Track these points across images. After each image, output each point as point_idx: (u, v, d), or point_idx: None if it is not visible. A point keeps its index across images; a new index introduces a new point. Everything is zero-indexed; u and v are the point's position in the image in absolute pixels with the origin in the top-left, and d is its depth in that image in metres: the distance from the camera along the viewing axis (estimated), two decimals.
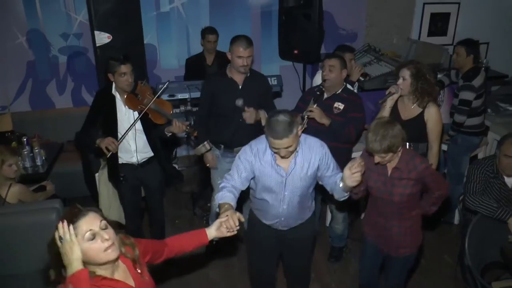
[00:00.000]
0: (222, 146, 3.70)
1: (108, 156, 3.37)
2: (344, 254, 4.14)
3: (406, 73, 3.28)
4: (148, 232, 4.02)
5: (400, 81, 3.31)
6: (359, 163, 2.38)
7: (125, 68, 3.27)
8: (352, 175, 2.38)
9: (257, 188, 2.77)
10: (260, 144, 2.67)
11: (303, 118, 3.34)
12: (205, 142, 3.61)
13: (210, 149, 3.65)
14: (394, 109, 3.44)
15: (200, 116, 3.78)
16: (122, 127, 3.42)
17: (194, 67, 5.00)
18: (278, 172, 2.63)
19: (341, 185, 2.52)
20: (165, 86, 3.45)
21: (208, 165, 3.76)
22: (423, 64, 3.36)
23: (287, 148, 2.48)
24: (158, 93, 3.43)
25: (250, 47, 3.43)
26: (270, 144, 2.53)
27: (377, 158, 2.64)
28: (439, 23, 6.13)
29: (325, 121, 3.38)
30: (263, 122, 3.66)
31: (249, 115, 3.54)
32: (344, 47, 4.18)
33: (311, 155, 2.65)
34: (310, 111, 3.37)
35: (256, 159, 2.64)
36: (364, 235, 3.12)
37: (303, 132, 3.36)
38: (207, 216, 4.48)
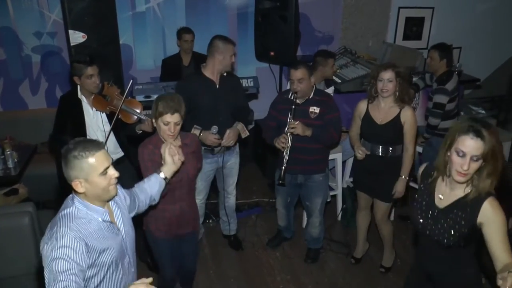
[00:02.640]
0: (203, 148, 3.68)
1: None
2: (321, 254, 4.16)
3: (391, 75, 3.29)
4: None
5: (385, 82, 3.31)
6: (172, 144, 2.54)
7: (92, 70, 3.23)
8: (173, 156, 2.51)
9: (100, 273, 2.00)
10: (75, 220, 1.92)
11: (288, 135, 3.44)
12: (193, 127, 3.55)
13: (201, 129, 3.56)
14: (368, 117, 3.47)
15: None
16: (91, 130, 3.39)
17: (171, 68, 4.96)
18: (113, 231, 2.05)
19: (162, 175, 2.52)
20: (129, 84, 3.40)
21: (210, 143, 3.59)
22: (401, 66, 3.42)
23: None
24: (125, 92, 3.35)
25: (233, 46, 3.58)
26: None
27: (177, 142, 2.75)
28: (414, 27, 6.23)
29: (308, 132, 3.46)
30: (243, 135, 3.71)
31: (229, 139, 3.61)
32: (326, 53, 4.20)
33: (121, 198, 2.22)
34: (292, 127, 3.43)
35: (86, 234, 1.90)
36: (156, 237, 2.98)
37: (290, 149, 3.49)
38: None
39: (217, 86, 3.59)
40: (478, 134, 1.98)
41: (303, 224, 4.44)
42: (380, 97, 3.40)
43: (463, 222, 2.12)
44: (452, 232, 2.15)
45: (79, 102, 3.36)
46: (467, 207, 2.10)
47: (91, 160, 1.88)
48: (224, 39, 3.52)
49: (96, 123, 3.38)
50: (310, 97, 3.57)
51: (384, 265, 3.96)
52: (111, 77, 3.64)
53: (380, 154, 3.47)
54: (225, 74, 3.63)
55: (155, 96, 4.35)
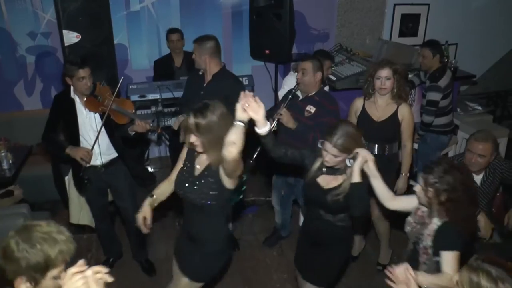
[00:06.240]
0: None
1: (87, 166, 3.34)
2: None
3: (388, 72, 3.30)
4: (121, 234, 3.97)
5: (383, 80, 3.31)
6: None
7: (83, 72, 3.18)
8: None
9: None
10: None
11: (273, 120, 3.35)
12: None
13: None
14: (364, 114, 3.46)
15: (181, 103, 4.03)
16: (84, 130, 3.37)
17: (163, 69, 4.93)
18: None
19: None
20: (120, 81, 3.39)
21: None
22: (398, 63, 3.42)
23: None
24: (116, 91, 3.34)
25: (194, 45, 3.59)
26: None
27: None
28: (409, 24, 6.21)
29: (291, 125, 3.37)
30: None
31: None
32: (323, 54, 4.11)
33: None
34: (280, 113, 3.38)
35: None
36: None
37: (273, 132, 3.40)
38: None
39: (204, 84, 3.64)
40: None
41: (299, 223, 4.43)
42: (377, 94, 3.39)
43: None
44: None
45: (72, 101, 3.33)
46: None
47: None
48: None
49: (89, 123, 3.36)
50: (311, 95, 3.51)
51: (381, 262, 3.96)
52: (103, 77, 3.62)
53: (376, 153, 3.46)
54: (211, 75, 3.62)
55: (150, 96, 4.38)
